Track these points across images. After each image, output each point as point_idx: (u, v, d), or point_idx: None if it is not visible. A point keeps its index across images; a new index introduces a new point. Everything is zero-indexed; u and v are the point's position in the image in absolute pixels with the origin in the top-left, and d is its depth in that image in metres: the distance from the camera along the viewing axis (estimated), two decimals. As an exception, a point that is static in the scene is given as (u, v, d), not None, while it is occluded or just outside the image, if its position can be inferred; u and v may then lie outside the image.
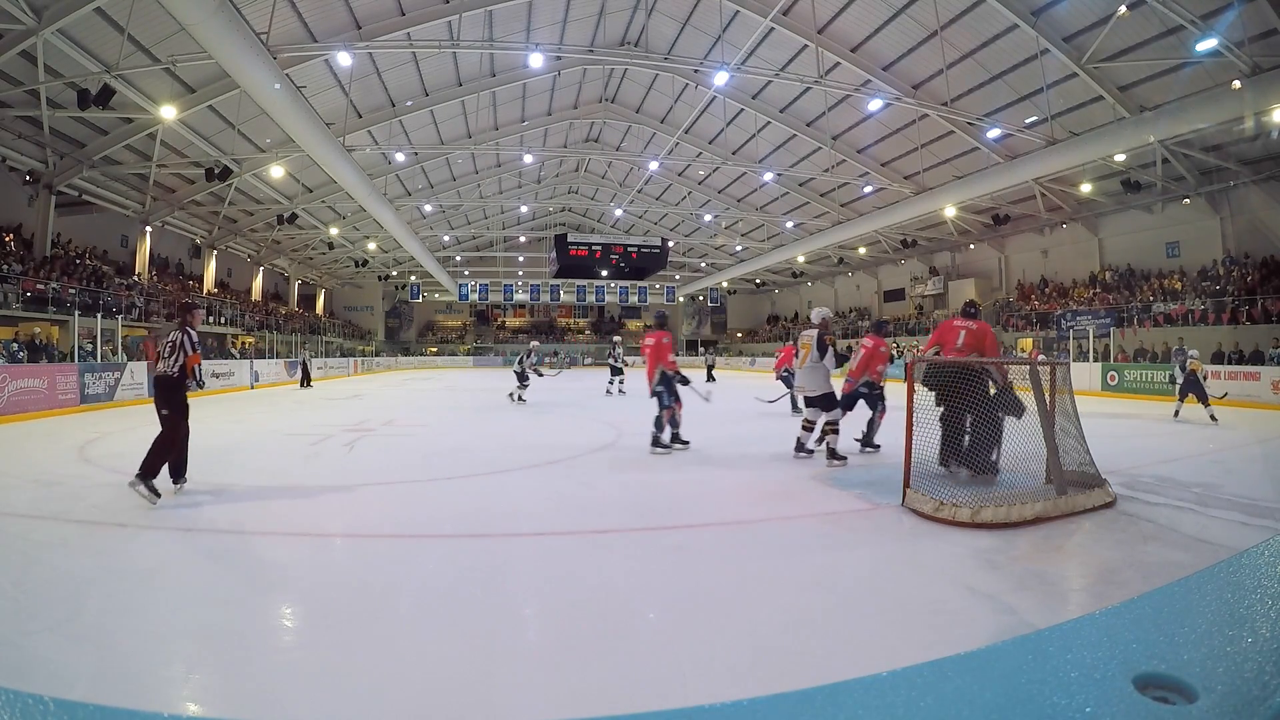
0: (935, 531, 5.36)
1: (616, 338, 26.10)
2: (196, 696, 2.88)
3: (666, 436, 9.76)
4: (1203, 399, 13.53)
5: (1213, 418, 13.26)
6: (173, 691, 2.90)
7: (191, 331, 6.88)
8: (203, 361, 7.12)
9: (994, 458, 6.88)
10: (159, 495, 6.26)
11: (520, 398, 18.93)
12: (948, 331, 7.84)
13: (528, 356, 19.29)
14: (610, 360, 24.04)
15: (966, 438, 7.09)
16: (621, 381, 22.37)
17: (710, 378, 28.42)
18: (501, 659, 3.20)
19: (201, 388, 7.31)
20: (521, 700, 2.86)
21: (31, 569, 4.36)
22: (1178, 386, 14.32)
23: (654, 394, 9.65)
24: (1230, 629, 0.87)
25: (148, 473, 6.27)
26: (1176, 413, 14.27)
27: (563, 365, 48.90)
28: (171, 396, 6.69)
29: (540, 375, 20.70)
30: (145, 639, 3.36)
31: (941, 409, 7.03)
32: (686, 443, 9.91)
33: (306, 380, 28.63)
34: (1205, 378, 13.93)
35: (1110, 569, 4.56)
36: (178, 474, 6.75)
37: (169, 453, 6.55)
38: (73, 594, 3.93)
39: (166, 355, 6.77)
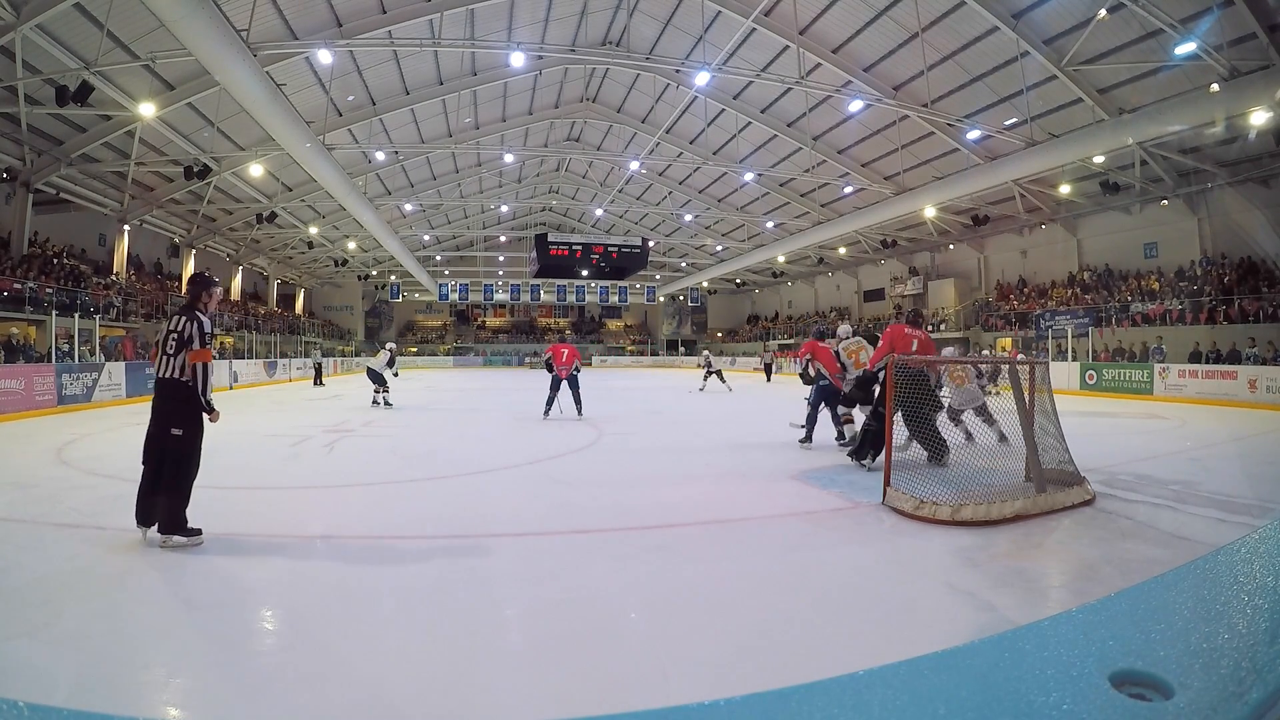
0: (915, 529, 5.39)
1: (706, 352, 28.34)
2: (176, 700, 2.85)
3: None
4: None
5: None
6: (153, 696, 2.87)
7: (203, 318, 5.15)
8: (213, 361, 5.17)
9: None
10: (200, 532, 4.93)
11: (386, 401, 17.32)
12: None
13: (389, 356, 18.09)
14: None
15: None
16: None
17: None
18: (483, 660, 3.19)
19: (210, 412, 5.08)
20: (504, 701, 2.84)
21: (9, 573, 4.29)
22: None
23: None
24: (1206, 625, 0.87)
25: (173, 525, 4.86)
26: None
27: (540, 366, 48.70)
28: (184, 408, 5.02)
29: (396, 375, 18.61)
30: (125, 643, 3.33)
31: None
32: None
33: (319, 379, 29.68)
34: None
35: (1089, 566, 4.59)
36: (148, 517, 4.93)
37: (189, 484, 5.01)
38: (51, 598, 3.88)
39: (171, 351, 5.02)
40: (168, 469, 4.89)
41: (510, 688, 2.95)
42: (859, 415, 9.48)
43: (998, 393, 7.40)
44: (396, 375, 18.72)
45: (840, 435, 9.87)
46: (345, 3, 20.42)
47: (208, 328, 5.11)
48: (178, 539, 4.84)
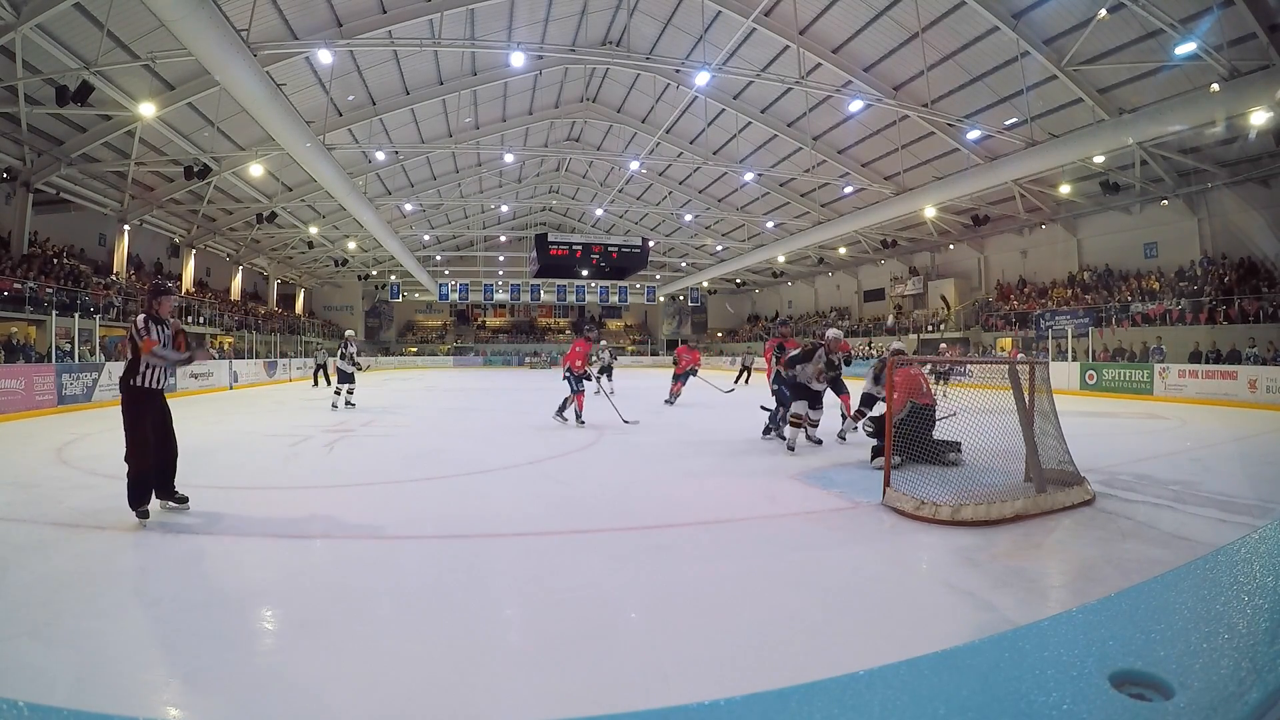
0: (915, 529, 5.40)
1: (603, 342, 20.56)
2: (176, 701, 2.85)
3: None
4: None
5: None
6: (152, 696, 2.87)
7: (139, 316, 5.82)
8: (156, 351, 5.73)
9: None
10: (146, 515, 5.48)
11: (349, 402, 16.39)
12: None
13: (346, 346, 16.63)
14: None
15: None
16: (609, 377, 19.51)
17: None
18: (483, 660, 3.19)
19: (145, 385, 5.71)
20: (504, 701, 2.84)
21: (10, 572, 4.31)
22: None
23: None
24: (1206, 625, 0.87)
25: (131, 501, 5.47)
26: None
27: (544, 365, 48.74)
28: (122, 404, 5.70)
29: (359, 369, 17.04)
30: (125, 643, 3.33)
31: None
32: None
33: (322, 380, 26.88)
34: None
35: (1089, 566, 4.60)
36: (161, 489, 5.78)
37: (132, 465, 5.53)
38: (52, 597, 3.89)
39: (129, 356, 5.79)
40: None
41: (510, 688, 2.95)
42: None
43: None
44: (346, 370, 16.86)
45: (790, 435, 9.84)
46: (345, 3, 20.38)
47: (140, 324, 5.74)
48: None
